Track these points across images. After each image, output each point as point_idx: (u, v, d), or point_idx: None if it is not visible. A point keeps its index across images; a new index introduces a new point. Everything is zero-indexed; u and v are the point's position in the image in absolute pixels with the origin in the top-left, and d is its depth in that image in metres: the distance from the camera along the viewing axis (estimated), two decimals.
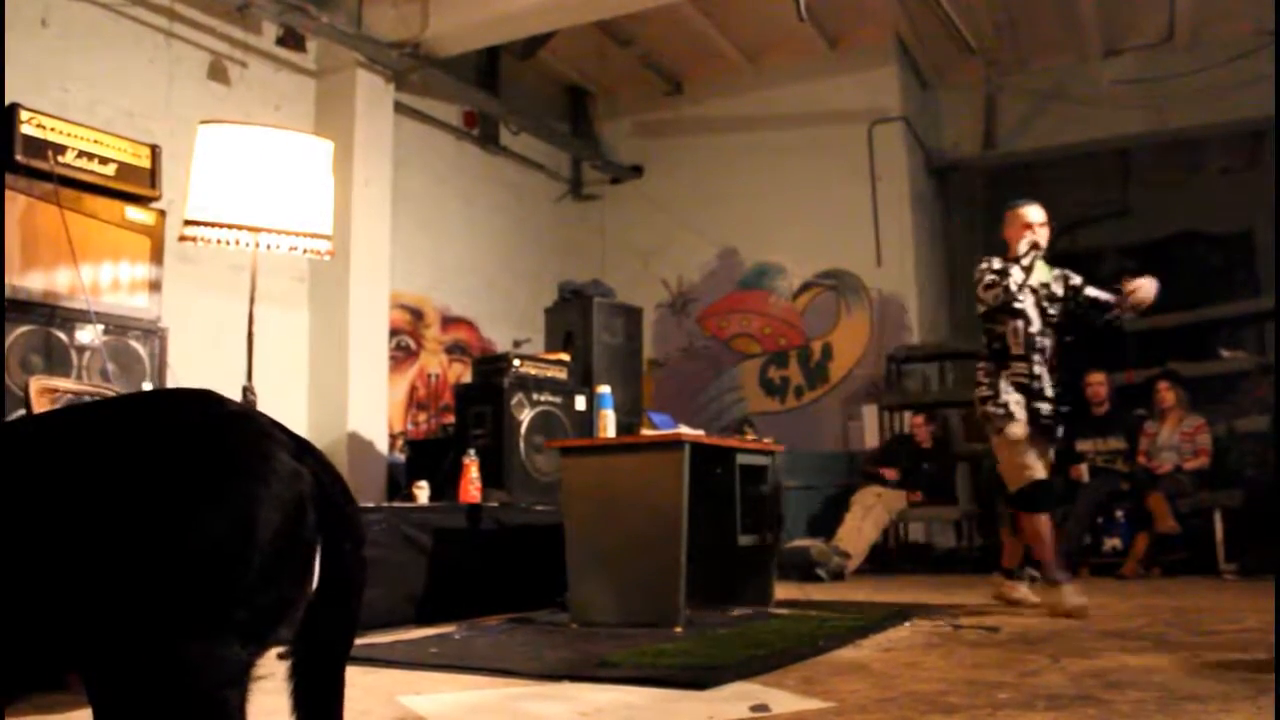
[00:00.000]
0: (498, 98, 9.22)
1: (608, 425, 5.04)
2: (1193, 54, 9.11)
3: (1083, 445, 7.30)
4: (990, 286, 4.94)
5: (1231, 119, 9.03)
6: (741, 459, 5.26)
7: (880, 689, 2.94)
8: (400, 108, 8.16)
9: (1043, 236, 5.01)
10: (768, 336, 10.00)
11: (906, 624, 4.46)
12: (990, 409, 4.89)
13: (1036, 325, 4.93)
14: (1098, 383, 7.45)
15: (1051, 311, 5.00)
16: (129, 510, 1.23)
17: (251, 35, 7.25)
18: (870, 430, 9.15)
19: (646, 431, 5.03)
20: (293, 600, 1.34)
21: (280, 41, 7.30)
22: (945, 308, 10.16)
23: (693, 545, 4.59)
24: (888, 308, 9.44)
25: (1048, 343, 4.96)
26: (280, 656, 1.38)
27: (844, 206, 9.54)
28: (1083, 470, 7.18)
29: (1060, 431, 5.05)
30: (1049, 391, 4.90)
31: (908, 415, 9.02)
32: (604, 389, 5.24)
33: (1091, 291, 5.04)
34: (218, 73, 7.03)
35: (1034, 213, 5.05)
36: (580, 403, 6.72)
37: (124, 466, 1.27)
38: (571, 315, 7.44)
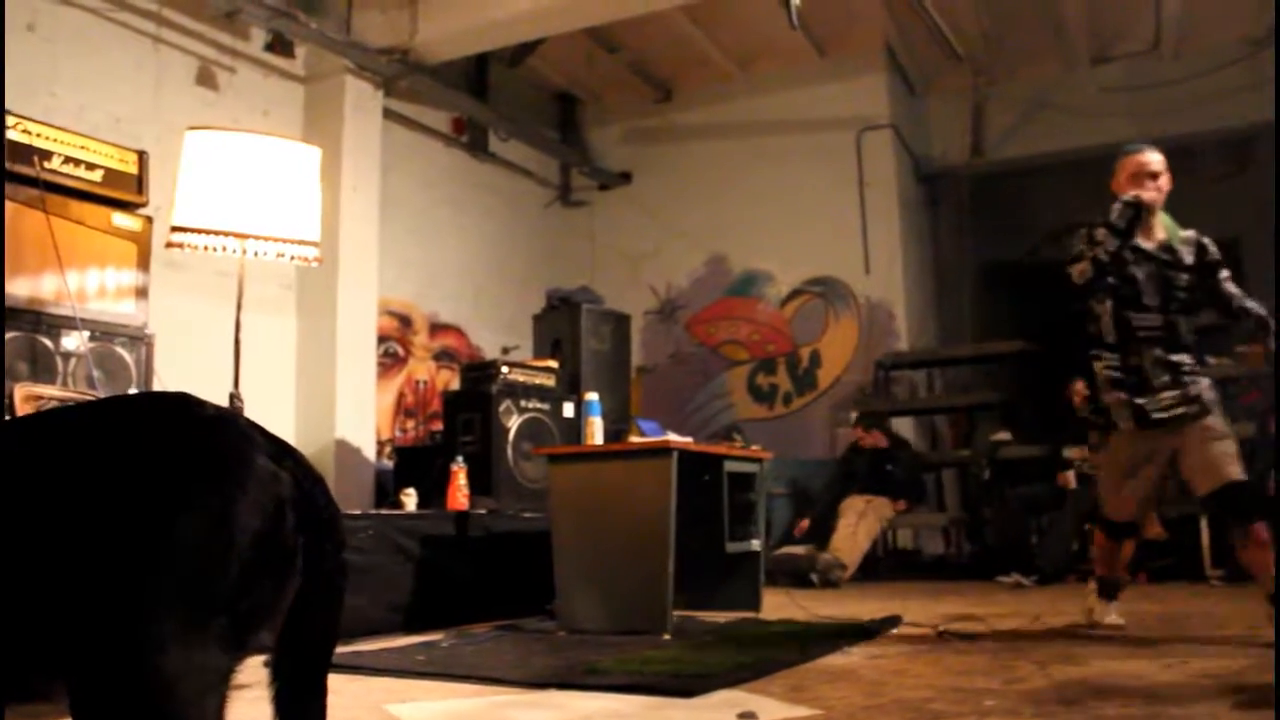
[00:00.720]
0: (487, 104, 9.22)
1: (595, 432, 5.04)
2: (1179, 62, 9.17)
3: (1070, 452, 7.32)
4: (1076, 260, 4.00)
5: (1218, 127, 9.07)
6: (729, 466, 5.26)
7: (868, 696, 2.94)
8: (389, 114, 8.15)
9: (1156, 189, 4.05)
10: (756, 343, 10.01)
11: (894, 631, 4.46)
12: (1090, 416, 4.16)
13: (1153, 300, 3.97)
14: (1085, 390, 7.47)
15: (1177, 283, 4.00)
16: (107, 516, 1.22)
17: (240, 41, 7.24)
18: None
19: (634, 439, 5.03)
20: (274, 605, 1.34)
21: (269, 47, 7.29)
22: (933, 314, 10.19)
23: (680, 552, 4.59)
24: (876, 314, 9.45)
25: (1158, 321, 3.98)
26: (266, 664, 1.38)
27: (832, 214, 9.56)
28: (1070, 477, 7.20)
29: (1193, 411, 3.90)
30: (1158, 380, 3.93)
31: (896, 421, 9.04)
32: (592, 396, 5.24)
33: (1232, 290, 4.02)
34: (206, 78, 7.01)
35: (1144, 159, 4.12)
36: (568, 410, 6.72)
37: (101, 472, 1.27)
38: (560, 322, 7.45)
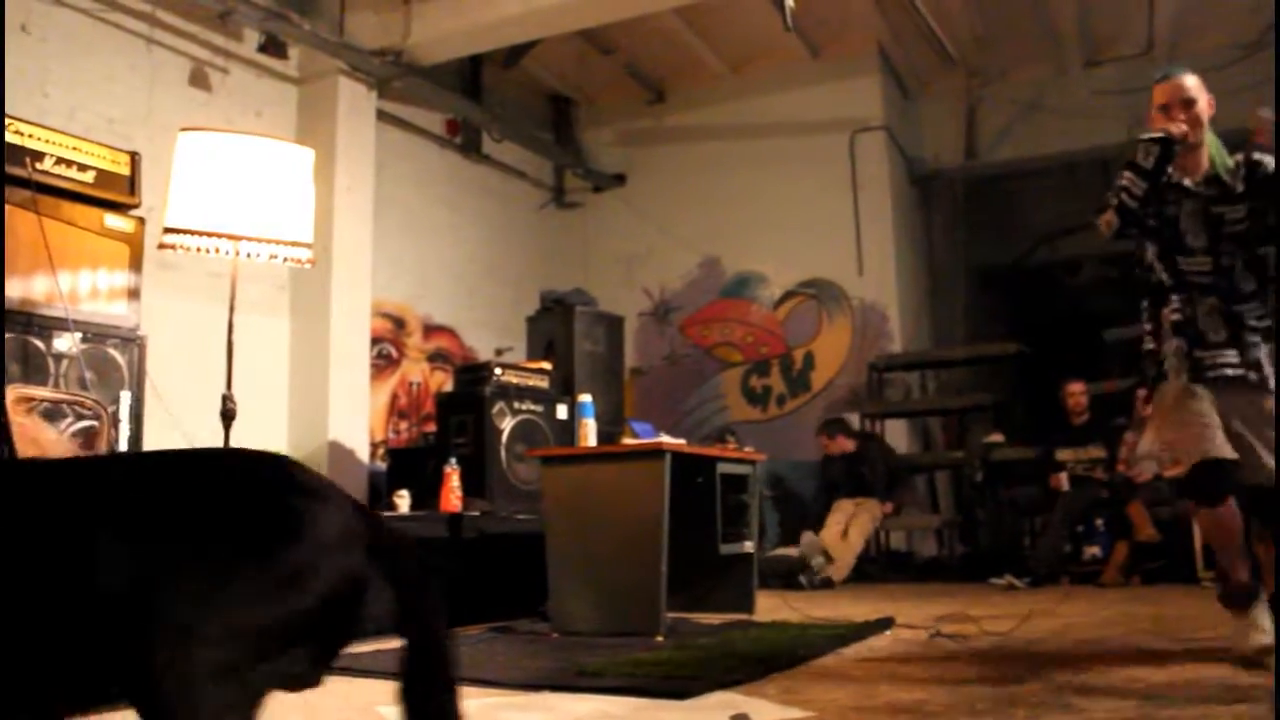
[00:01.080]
0: (480, 105, 9.22)
1: (589, 434, 5.04)
2: (1173, 66, 9.17)
3: (1062, 454, 7.34)
4: (1103, 210, 3.52)
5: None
6: (722, 468, 5.27)
7: (860, 697, 2.94)
8: (382, 115, 8.14)
9: (1189, 120, 3.48)
10: (749, 345, 10.01)
11: (887, 632, 4.47)
12: (1144, 365, 3.61)
13: (1198, 240, 3.47)
14: (1078, 392, 7.50)
15: (1228, 217, 3.46)
16: (170, 567, 1.28)
17: (233, 42, 7.23)
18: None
19: (628, 440, 5.04)
20: (319, 665, 1.41)
21: (262, 49, 7.27)
22: (927, 316, 10.20)
23: (674, 554, 4.59)
24: (869, 316, 9.46)
25: (1207, 264, 3.47)
26: None
27: (826, 215, 9.57)
28: (1063, 479, 7.22)
29: (1252, 378, 3.40)
30: (1215, 335, 3.43)
31: (889, 423, 9.06)
32: (585, 398, 5.24)
33: None
34: (199, 79, 7.00)
35: (1175, 83, 3.55)
36: (562, 411, 6.72)
37: (189, 519, 1.32)
38: (553, 323, 7.45)
